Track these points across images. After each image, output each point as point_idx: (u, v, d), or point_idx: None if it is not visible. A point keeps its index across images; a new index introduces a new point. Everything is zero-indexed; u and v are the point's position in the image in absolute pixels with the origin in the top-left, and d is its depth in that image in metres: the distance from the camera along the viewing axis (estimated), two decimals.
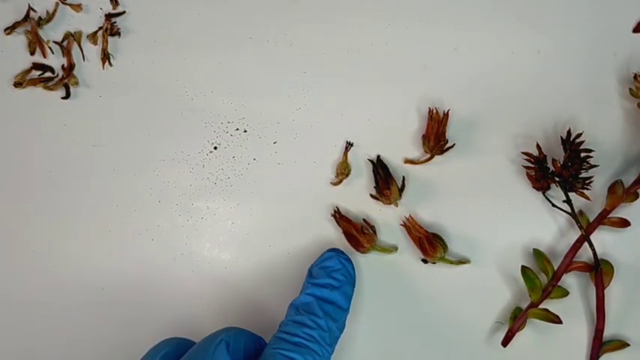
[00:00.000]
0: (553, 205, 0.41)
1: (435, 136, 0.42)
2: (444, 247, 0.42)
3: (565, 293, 0.41)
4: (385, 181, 0.42)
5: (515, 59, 0.43)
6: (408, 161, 0.43)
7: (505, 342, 0.41)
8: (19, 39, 0.45)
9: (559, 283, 0.41)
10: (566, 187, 0.40)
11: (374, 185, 0.43)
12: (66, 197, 0.44)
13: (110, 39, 0.45)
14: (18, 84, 0.45)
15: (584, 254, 0.41)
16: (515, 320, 0.41)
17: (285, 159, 0.44)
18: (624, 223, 0.41)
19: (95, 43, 0.45)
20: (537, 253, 0.42)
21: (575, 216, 0.40)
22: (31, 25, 0.44)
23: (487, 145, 0.43)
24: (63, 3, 0.45)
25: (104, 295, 0.44)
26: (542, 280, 0.41)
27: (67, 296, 0.44)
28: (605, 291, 0.41)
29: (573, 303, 0.42)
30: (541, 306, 0.41)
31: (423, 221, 0.43)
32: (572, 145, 0.40)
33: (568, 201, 0.40)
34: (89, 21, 0.45)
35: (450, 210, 0.43)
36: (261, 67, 0.44)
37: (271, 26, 0.44)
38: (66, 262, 0.44)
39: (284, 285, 0.43)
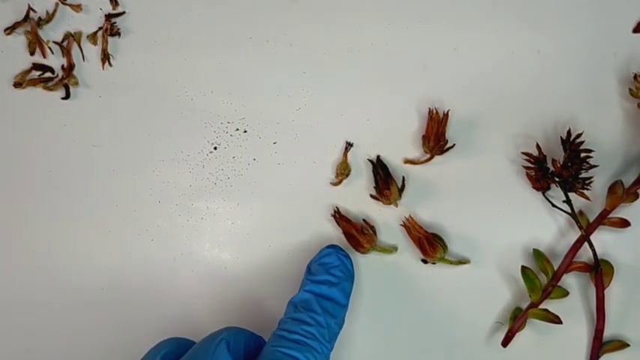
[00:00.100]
0: (553, 205, 0.41)
1: (435, 136, 0.42)
2: (444, 247, 0.42)
3: (565, 293, 0.41)
4: (385, 181, 0.42)
5: (515, 59, 0.43)
6: (408, 161, 0.43)
7: (505, 342, 0.41)
8: (19, 39, 0.45)
9: (559, 284, 0.41)
10: (566, 187, 0.40)
11: (374, 185, 0.43)
12: (66, 197, 0.44)
13: (110, 39, 0.45)
14: (18, 84, 0.45)
15: (584, 254, 0.41)
16: (515, 320, 0.41)
17: (285, 159, 0.44)
18: (624, 224, 0.41)
19: (95, 43, 0.45)
20: (537, 253, 0.42)
21: (575, 216, 0.40)
22: (31, 25, 0.44)
23: (487, 145, 0.43)
24: (63, 3, 0.45)
25: (104, 295, 0.44)
26: (542, 281, 0.41)
27: (67, 296, 0.44)
28: (605, 291, 0.41)
29: (573, 303, 0.42)
30: (541, 306, 0.41)
31: (423, 221, 0.43)
32: (572, 145, 0.40)
33: (568, 201, 0.40)
34: (89, 21, 0.45)
35: (450, 210, 0.43)
36: (261, 67, 0.44)
37: (271, 26, 0.44)
38: (66, 262, 0.44)
39: (284, 285, 0.43)
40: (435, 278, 0.43)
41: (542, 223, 0.42)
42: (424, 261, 0.42)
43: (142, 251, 0.44)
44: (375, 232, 0.43)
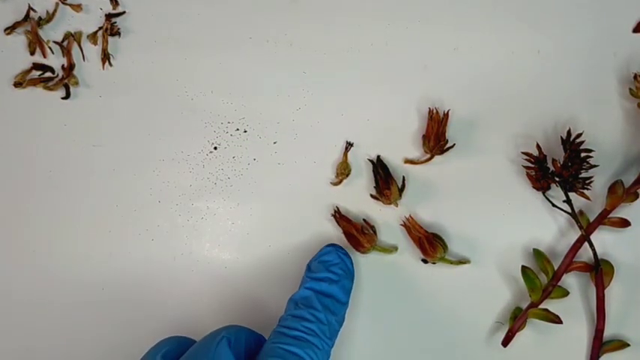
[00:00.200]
0: (553, 205, 0.41)
1: (435, 136, 0.42)
2: (444, 247, 0.42)
3: (565, 293, 0.41)
4: (385, 181, 0.42)
5: (515, 59, 0.43)
6: (408, 161, 0.43)
7: (505, 342, 0.41)
8: (19, 39, 0.45)
9: (559, 283, 0.41)
10: (566, 187, 0.40)
11: (374, 185, 0.43)
12: (66, 197, 0.44)
13: (110, 39, 0.45)
14: (18, 84, 0.45)
15: (584, 254, 0.41)
16: (515, 320, 0.41)
17: (285, 159, 0.44)
18: (624, 223, 0.41)
19: (95, 43, 0.45)
20: (537, 253, 0.42)
21: (575, 216, 0.40)
22: (31, 25, 0.44)
23: (487, 145, 0.43)
24: (63, 3, 0.45)
25: (104, 294, 0.44)
26: (542, 280, 0.41)
27: (67, 296, 0.44)
28: (605, 291, 0.41)
29: (573, 303, 0.42)
30: (541, 306, 0.41)
31: (423, 221, 0.43)
32: (572, 145, 0.40)
33: (568, 201, 0.40)
34: (89, 21, 0.45)
35: (450, 210, 0.43)
36: (261, 67, 0.44)
37: (271, 26, 0.44)
38: (66, 262, 0.44)
39: (284, 285, 0.43)
40: (435, 278, 0.43)
41: (542, 223, 0.42)
42: (424, 261, 0.42)
43: (142, 251, 0.44)
44: (375, 232, 0.43)
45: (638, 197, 0.41)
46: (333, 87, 0.44)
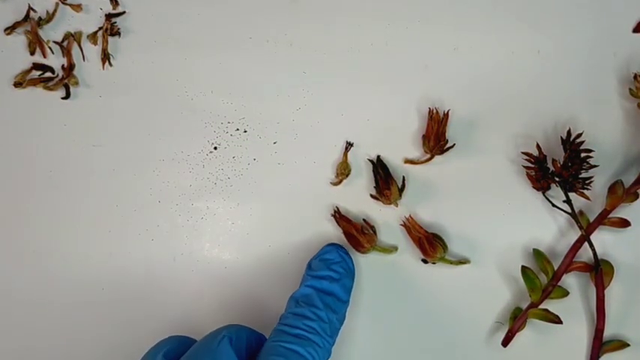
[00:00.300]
0: (553, 205, 0.41)
1: (435, 136, 0.42)
2: (444, 247, 0.42)
3: (565, 293, 0.41)
4: (385, 181, 0.42)
5: (515, 59, 0.43)
6: (408, 161, 0.43)
7: (505, 342, 0.41)
8: (19, 39, 0.45)
9: (559, 283, 0.41)
10: (566, 187, 0.40)
11: (374, 185, 0.43)
12: (66, 197, 0.44)
13: (110, 39, 0.45)
14: (18, 84, 0.45)
15: (584, 254, 0.41)
16: (515, 320, 0.41)
17: (285, 159, 0.44)
18: (624, 223, 0.41)
19: (95, 43, 0.45)
20: (537, 253, 0.42)
21: (575, 216, 0.40)
22: (31, 25, 0.44)
23: (487, 145, 0.43)
24: (63, 3, 0.45)
25: (104, 294, 0.44)
26: (542, 280, 0.41)
27: (67, 296, 0.44)
28: (605, 291, 0.41)
29: (573, 303, 0.42)
30: (541, 306, 0.41)
31: (423, 221, 0.43)
32: (572, 145, 0.40)
33: (568, 201, 0.40)
34: (89, 21, 0.45)
35: (450, 210, 0.43)
36: (261, 67, 0.44)
37: (271, 26, 0.44)
38: (66, 262, 0.44)
39: (284, 284, 0.43)
40: (435, 278, 0.43)
41: (542, 223, 0.42)
42: (424, 261, 0.42)
43: (142, 251, 0.44)
44: (375, 232, 0.43)
45: (638, 197, 0.41)
46: (333, 87, 0.44)
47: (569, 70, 0.43)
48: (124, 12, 0.45)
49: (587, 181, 0.39)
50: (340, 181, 0.43)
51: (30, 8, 0.45)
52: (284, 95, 0.44)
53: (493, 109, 0.43)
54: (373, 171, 0.43)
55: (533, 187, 0.41)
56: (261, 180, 0.44)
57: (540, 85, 0.43)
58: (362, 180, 0.43)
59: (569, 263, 0.41)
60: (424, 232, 0.42)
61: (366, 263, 0.43)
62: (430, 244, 0.41)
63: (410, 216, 0.42)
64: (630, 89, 0.42)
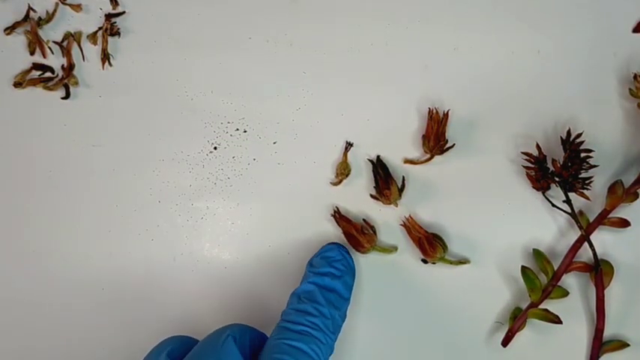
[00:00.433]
0: (553, 205, 0.41)
1: (435, 136, 0.42)
2: (444, 247, 0.42)
3: (565, 293, 0.41)
4: (385, 181, 0.42)
5: (515, 59, 0.43)
6: (407, 161, 0.43)
7: (505, 342, 0.41)
8: (19, 39, 0.45)
9: (559, 283, 0.41)
10: (566, 187, 0.40)
11: (374, 185, 0.43)
12: (66, 197, 0.44)
13: (110, 39, 0.45)
14: (18, 84, 0.45)
15: (584, 254, 0.42)
16: (515, 320, 0.41)
17: (285, 159, 0.44)
18: (624, 223, 0.41)
19: (95, 43, 0.45)
20: (537, 253, 0.42)
21: (575, 216, 0.40)
22: (31, 25, 0.44)
23: (487, 145, 0.43)
24: (63, 3, 0.45)
25: (104, 294, 0.44)
26: (542, 280, 0.41)
27: (67, 296, 0.44)
28: (605, 291, 0.41)
29: (573, 303, 0.42)
30: (541, 306, 0.41)
31: (423, 221, 0.43)
32: (572, 145, 0.40)
33: (568, 201, 0.40)
34: (89, 21, 0.45)
35: (450, 210, 0.43)
36: (261, 67, 0.44)
37: (271, 26, 0.44)
38: (66, 262, 0.44)
39: (284, 284, 0.43)
40: (435, 278, 0.43)
41: (542, 223, 0.42)
42: (424, 261, 0.42)
43: (142, 251, 0.44)
44: (375, 232, 0.43)
45: (638, 197, 0.41)
46: (333, 87, 0.44)
47: (569, 70, 0.43)
48: (124, 12, 0.45)
49: (587, 181, 0.39)
50: (340, 181, 0.43)
51: (30, 8, 0.45)
52: (284, 95, 0.44)
53: (493, 109, 0.43)
54: (373, 171, 0.43)
55: (533, 187, 0.41)
56: (261, 180, 0.44)
57: (540, 85, 0.43)
58: (362, 180, 0.43)
59: (569, 263, 0.41)
60: (424, 232, 0.42)
61: (366, 263, 0.43)
62: (430, 244, 0.41)
63: (410, 216, 0.42)
64: (630, 89, 0.42)
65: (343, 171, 0.43)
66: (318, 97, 0.44)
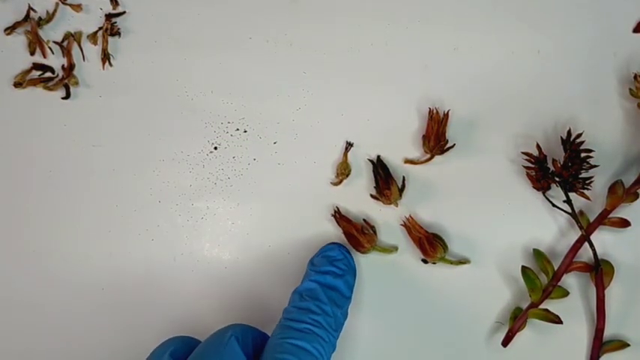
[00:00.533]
0: (553, 205, 0.41)
1: (435, 136, 0.42)
2: (444, 247, 0.42)
3: (565, 293, 0.41)
4: (385, 181, 0.42)
5: (515, 59, 0.43)
6: (408, 161, 0.43)
7: (505, 342, 0.41)
8: (19, 39, 0.45)
9: (559, 283, 0.41)
10: (567, 187, 0.40)
11: (374, 185, 0.43)
12: (66, 197, 0.44)
13: (110, 39, 0.45)
14: (18, 84, 0.45)
15: (585, 254, 0.41)
16: (515, 320, 0.41)
17: (285, 159, 0.44)
18: (624, 223, 0.41)
19: (95, 43, 0.45)
20: (537, 253, 0.42)
21: (576, 216, 0.40)
22: (31, 25, 0.44)
23: (487, 145, 0.43)
24: (63, 3, 0.45)
25: (104, 295, 0.44)
26: (542, 280, 0.41)
27: (66, 297, 0.44)
28: (605, 291, 0.41)
29: (573, 303, 0.42)
30: (541, 306, 0.41)
31: (423, 221, 0.43)
32: (572, 145, 0.40)
33: (568, 201, 0.40)
34: (89, 21, 0.45)
35: (450, 210, 0.43)
36: (261, 67, 0.44)
37: (271, 26, 0.44)
38: (66, 262, 0.44)
39: (284, 285, 0.43)
40: (435, 278, 0.43)
41: (542, 223, 0.42)
42: (424, 261, 0.42)
43: (142, 251, 0.44)
44: (375, 232, 0.43)
45: (638, 197, 0.41)
46: (333, 87, 0.44)
47: (569, 70, 0.43)
48: (124, 12, 0.45)
49: (587, 181, 0.39)
50: (340, 181, 0.43)
51: (30, 8, 0.45)
52: (284, 95, 0.44)
53: (493, 109, 0.43)
54: (373, 171, 0.43)
55: (533, 187, 0.41)
56: (261, 180, 0.44)
57: (540, 85, 0.43)
58: (362, 180, 0.43)
59: (569, 263, 0.41)
60: (424, 232, 0.42)
61: (366, 263, 0.43)
62: (430, 244, 0.41)
63: (410, 216, 0.42)
64: (630, 89, 0.42)
65: (343, 171, 0.43)
66: (318, 97, 0.44)
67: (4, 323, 0.45)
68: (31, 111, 0.45)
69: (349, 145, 0.43)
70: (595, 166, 0.40)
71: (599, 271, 0.41)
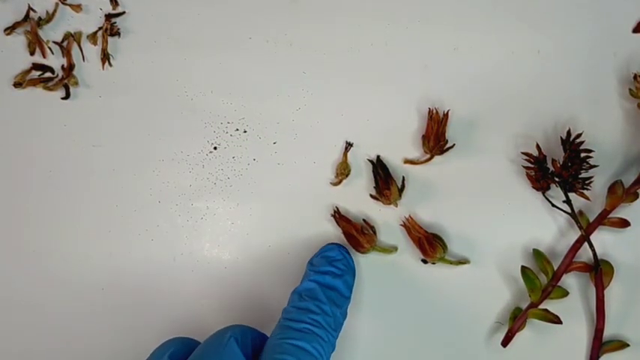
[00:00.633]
0: (553, 205, 0.41)
1: (435, 136, 0.42)
2: (444, 247, 0.42)
3: (565, 293, 0.41)
4: (385, 182, 0.42)
5: (515, 59, 0.43)
6: (407, 161, 0.43)
7: (505, 342, 0.41)
8: (19, 39, 0.45)
9: (559, 284, 0.41)
10: (566, 188, 0.40)
11: (374, 185, 0.43)
12: (66, 197, 0.44)
13: (110, 39, 0.45)
14: (18, 84, 0.45)
15: (584, 254, 0.41)
16: (515, 320, 0.41)
17: (285, 159, 0.44)
18: (624, 224, 0.41)
19: (95, 43, 0.45)
20: (537, 253, 0.42)
21: (575, 216, 0.40)
22: (31, 25, 0.44)
23: (487, 145, 0.43)
24: (63, 3, 0.45)
25: (104, 294, 0.44)
26: (542, 281, 0.41)
27: (66, 297, 0.44)
28: (605, 291, 0.41)
29: (573, 303, 0.42)
30: (541, 306, 0.41)
31: (423, 221, 0.43)
32: (572, 145, 0.40)
33: (568, 201, 0.40)
34: (89, 21, 0.45)
35: (450, 210, 0.43)
36: (261, 67, 0.44)
37: (271, 26, 0.44)
38: (66, 262, 0.44)
39: (284, 285, 0.43)
40: (435, 278, 0.43)
41: (542, 223, 0.42)
42: (424, 261, 0.42)
43: (142, 251, 0.44)
44: (375, 232, 0.43)
45: (637, 197, 0.41)
46: (333, 87, 0.44)
47: (569, 70, 0.43)
48: (123, 12, 0.45)
49: (587, 181, 0.39)
50: (340, 181, 0.43)
51: (30, 8, 0.45)
52: (284, 95, 0.44)
53: (493, 109, 0.43)
54: (373, 171, 0.43)
55: (533, 187, 0.41)
56: (261, 180, 0.44)
57: (540, 85, 0.43)
58: (362, 180, 0.43)
59: (569, 263, 0.41)
60: (424, 232, 0.42)
61: (366, 263, 0.43)
62: (430, 244, 0.41)
63: (410, 216, 0.42)
64: (630, 89, 0.42)
65: (343, 171, 0.43)
66: (318, 97, 0.44)
67: (4, 323, 0.45)
68: (31, 111, 0.45)
69: (349, 145, 0.43)
70: (595, 166, 0.40)
71: (599, 271, 0.41)
